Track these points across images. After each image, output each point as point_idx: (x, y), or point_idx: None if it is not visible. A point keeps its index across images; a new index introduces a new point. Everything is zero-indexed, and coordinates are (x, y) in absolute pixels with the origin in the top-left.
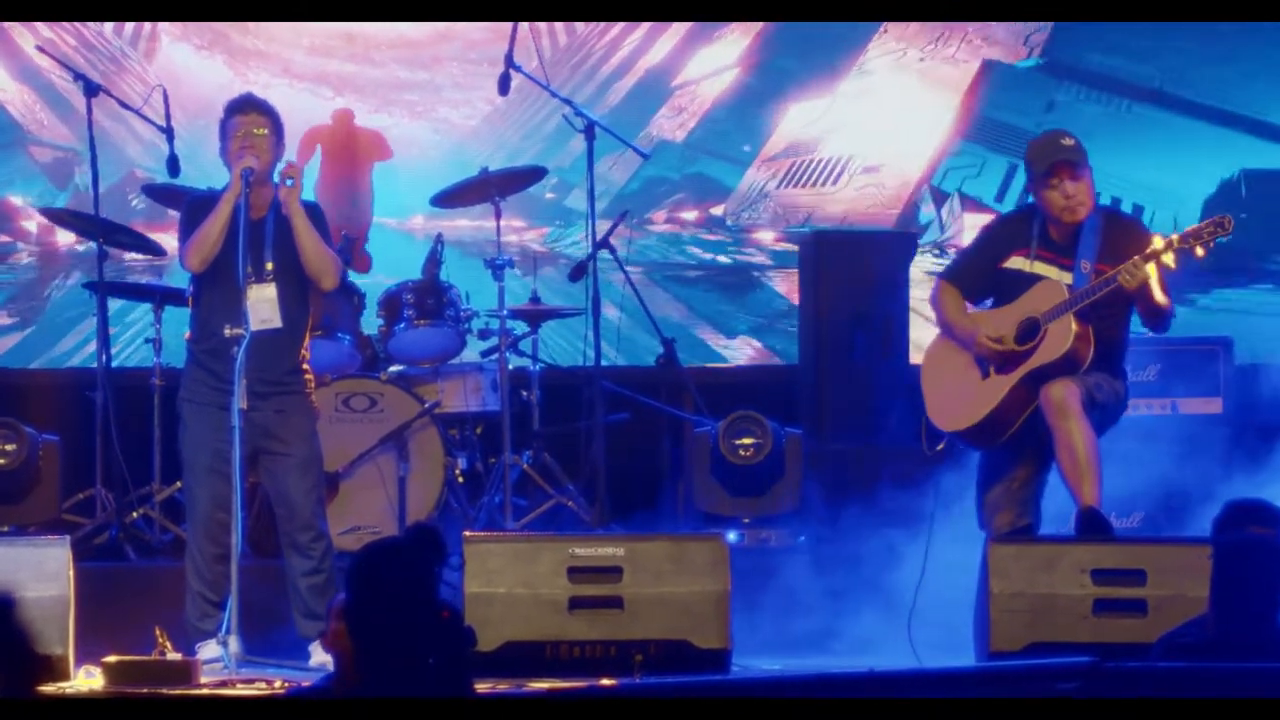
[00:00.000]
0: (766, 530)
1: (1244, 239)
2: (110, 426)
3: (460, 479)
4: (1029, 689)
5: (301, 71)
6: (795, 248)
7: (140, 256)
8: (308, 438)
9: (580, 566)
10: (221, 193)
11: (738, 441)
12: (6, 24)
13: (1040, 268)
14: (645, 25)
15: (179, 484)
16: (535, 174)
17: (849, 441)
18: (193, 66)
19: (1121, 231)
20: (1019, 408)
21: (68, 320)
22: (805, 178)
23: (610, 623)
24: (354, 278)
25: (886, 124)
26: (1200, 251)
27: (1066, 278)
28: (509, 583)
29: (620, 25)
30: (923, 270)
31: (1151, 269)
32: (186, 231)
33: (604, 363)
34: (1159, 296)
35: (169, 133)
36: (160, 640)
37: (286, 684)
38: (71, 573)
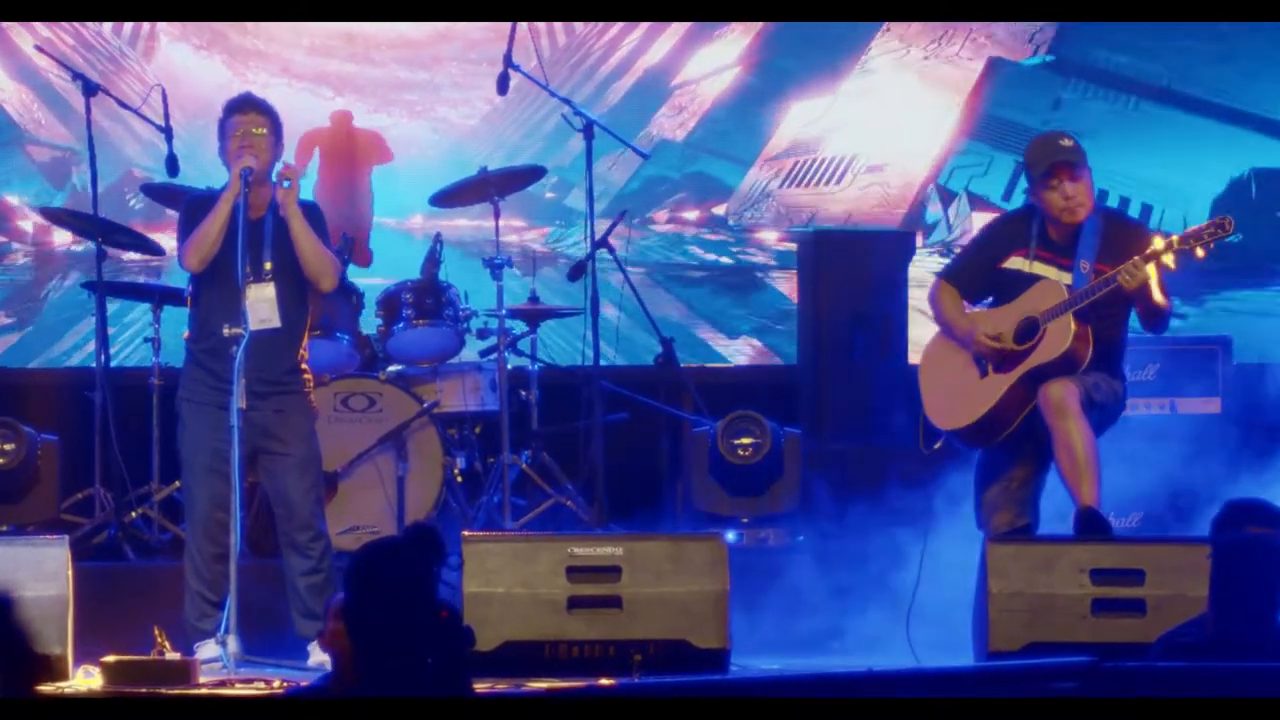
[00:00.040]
0: (765, 530)
1: (1256, 240)
2: (109, 426)
3: (459, 479)
4: (1028, 689)
5: (301, 71)
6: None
7: (139, 256)
8: (306, 437)
9: (579, 566)
10: (220, 192)
11: (736, 441)
12: (5, 24)
13: (1039, 268)
14: (644, 25)
15: (178, 484)
16: (534, 173)
17: (848, 441)
18: (192, 66)
19: (1121, 232)
20: (1017, 407)
21: (66, 320)
22: (808, 177)
23: (609, 622)
24: (353, 277)
25: (890, 123)
26: (1200, 252)
27: (1066, 278)
28: (508, 582)
29: (619, 25)
30: (928, 270)
31: (1151, 269)
32: (185, 231)
33: (603, 362)
34: (1158, 297)
35: (168, 132)
36: (159, 640)
37: (285, 684)
38: (70, 572)
